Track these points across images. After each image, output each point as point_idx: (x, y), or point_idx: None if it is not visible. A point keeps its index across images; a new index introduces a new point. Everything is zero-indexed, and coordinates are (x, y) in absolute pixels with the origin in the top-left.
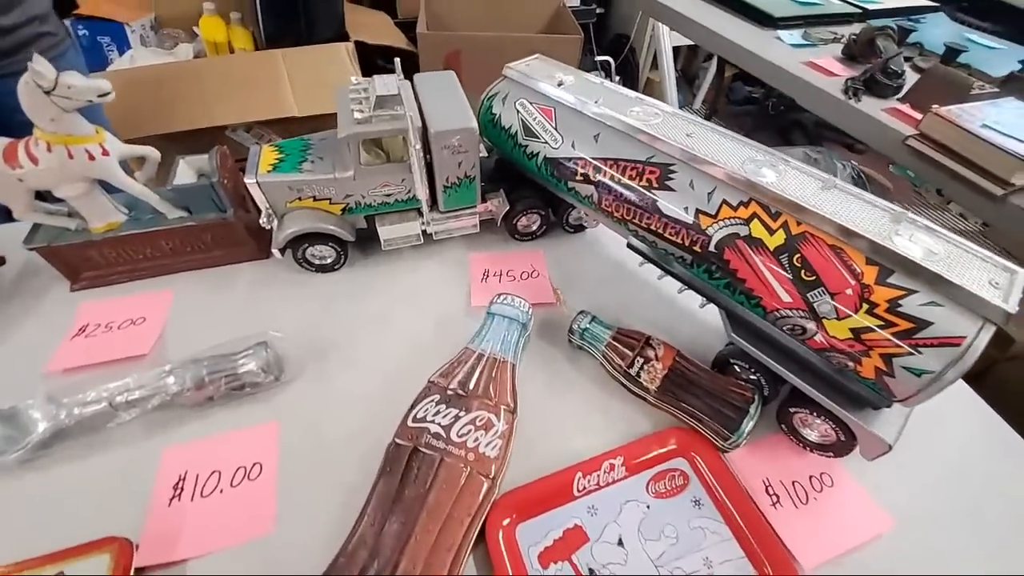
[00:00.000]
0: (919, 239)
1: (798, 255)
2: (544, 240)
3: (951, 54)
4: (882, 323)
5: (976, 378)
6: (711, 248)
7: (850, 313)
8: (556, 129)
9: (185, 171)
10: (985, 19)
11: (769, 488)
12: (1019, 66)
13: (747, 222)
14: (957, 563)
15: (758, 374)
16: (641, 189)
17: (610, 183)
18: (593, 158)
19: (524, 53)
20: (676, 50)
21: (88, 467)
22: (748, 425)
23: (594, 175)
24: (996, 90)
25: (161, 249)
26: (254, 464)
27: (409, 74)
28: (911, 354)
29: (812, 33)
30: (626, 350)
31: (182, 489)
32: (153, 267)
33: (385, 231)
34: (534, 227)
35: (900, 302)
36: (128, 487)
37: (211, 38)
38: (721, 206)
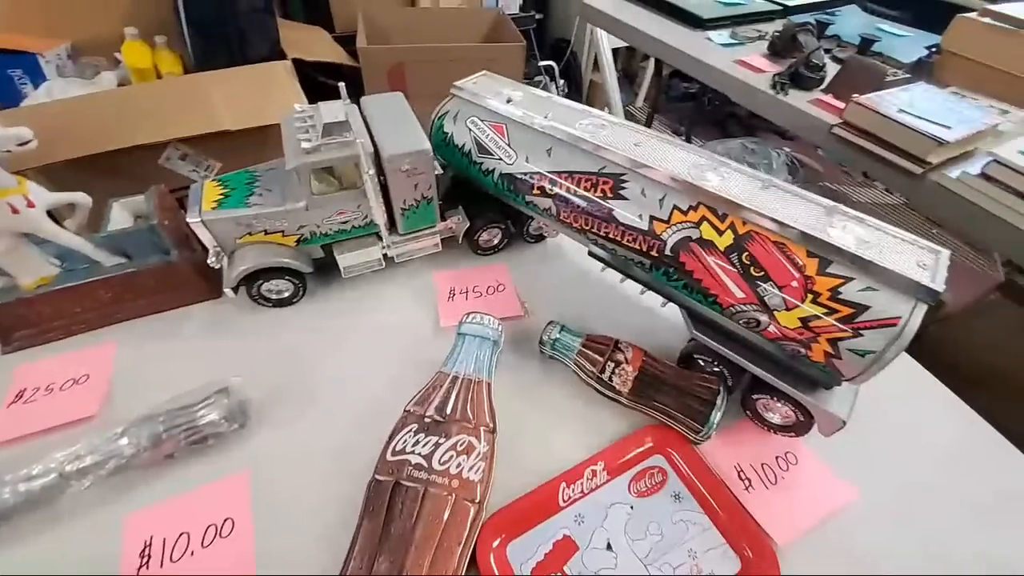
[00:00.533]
0: (852, 229)
1: (746, 253)
2: (507, 252)
3: (866, 44)
4: (826, 310)
5: (912, 343)
6: (667, 252)
7: (797, 303)
8: (509, 145)
9: (120, 214)
10: (894, 8)
11: (741, 473)
12: (926, 52)
13: (697, 225)
14: (919, 521)
15: (721, 366)
16: (596, 200)
17: (566, 195)
18: (547, 172)
19: (469, 63)
20: (615, 51)
21: (43, 546)
22: (716, 416)
23: (550, 188)
24: (908, 75)
25: (100, 300)
26: (225, 520)
27: (351, 90)
28: (854, 337)
29: (739, 32)
30: (597, 356)
31: (149, 556)
32: (93, 319)
33: (344, 259)
34: (496, 241)
35: (840, 290)
36: (90, 562)
37: (135, 65)
38: (672, 211)
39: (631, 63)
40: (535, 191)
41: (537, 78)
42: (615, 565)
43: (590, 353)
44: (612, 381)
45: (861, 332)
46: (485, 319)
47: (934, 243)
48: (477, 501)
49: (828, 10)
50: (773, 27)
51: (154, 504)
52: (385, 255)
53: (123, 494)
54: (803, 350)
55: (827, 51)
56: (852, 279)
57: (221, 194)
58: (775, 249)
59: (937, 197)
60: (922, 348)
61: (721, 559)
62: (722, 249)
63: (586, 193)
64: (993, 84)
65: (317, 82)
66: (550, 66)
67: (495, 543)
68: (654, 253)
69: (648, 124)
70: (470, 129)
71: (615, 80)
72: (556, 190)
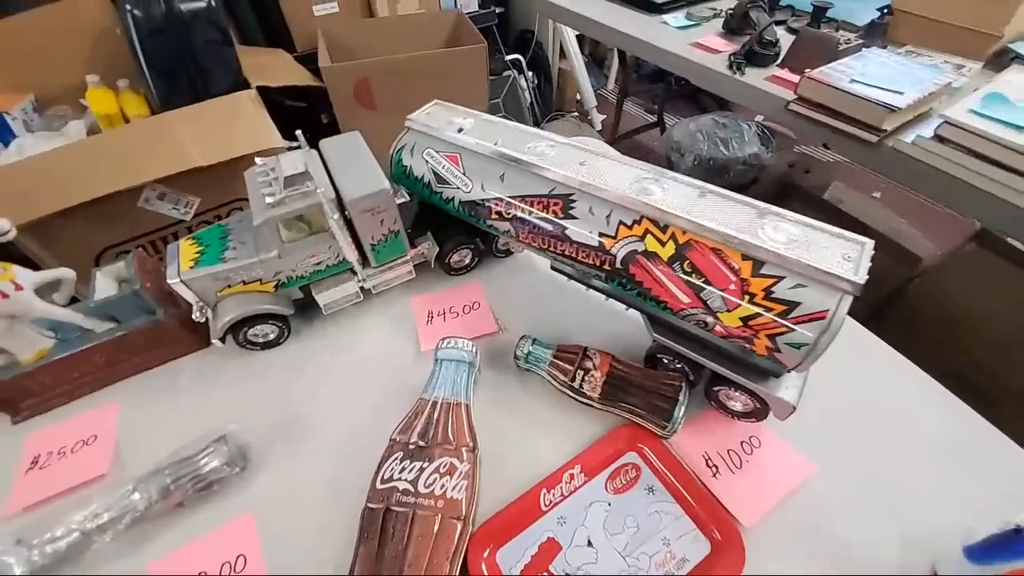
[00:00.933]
0: (782, 229)
1: (688, 261)
2: (480, 270)
3: (819, 12)
4: (762, 309)
5: (893, 300)
6: (618, 265)
7: (737, 304)
8: (464, 174)
9: (104, 282)
10: None
11: (709, 461)
12: (878, 13)
13: (642, 238)
14: (875, 488)
15: (682, 363)
16: (549, 220)
17: (522, 218)
18: (503, 197)
19: (432, 70)
20: (581, 37)
21: None
22: (679, 411)
23: (507, 212)
24: (860, 42)
25: (96, 364)
26: (238, 556)
27: (320, 107)
28: (789, 331)
29: (694, 13)
30: (567, 365)
31: None
32: (92, 382)
33: (323, 297)
34: (467, 260)
35: (772, 289)
36: None
37: (102, 111)
38: (619, 227)
39: (598, 47)
40: (494, 215)
41: (505, 73)
42: (596, 559)
43: (560, 363)
44: (583, 388)
45: (794, 327)
46: (460, 343)
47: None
48: (462, 517)
49: None
50: (728, 4)
51: (173, 551)
52: (362, 288)
53: (142, 544)
54: (748, 345)
55: (781, 23)
56: (783, 278)
57: (197, 252)
58: (713, 255)
59: (895, 163)
60: (903, 304)
61: (692, 544)
62: (666, 259)
63: (540, 214)
64: (946, 40)
65: (284, 106)
66: (517, 59)
67: (485, 552)
68: (607, 267)
69: (619, 107)
70: (427, 161)
71: (583, 66)
72: (513, 213)
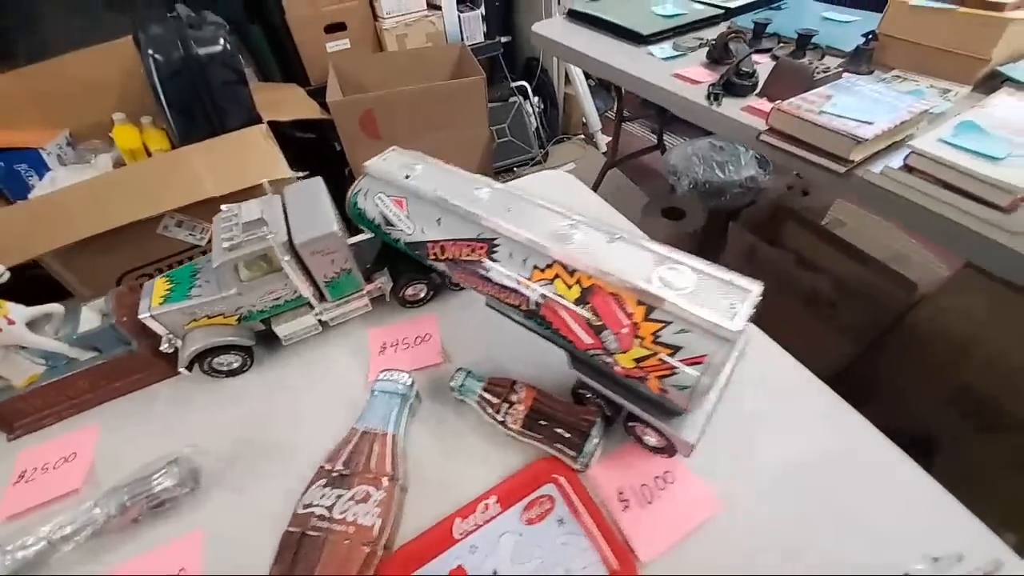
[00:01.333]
0: (676, 276)
1: (589, 305)
2: (435, 303)
3: (803, 40)
4: (650, 352)
5: (893, 327)
6: (531, 306)
7: (630, 345)
8: (408, 217)
9: (89, 316)
10: None
11: (622, 494)
12: (863, 40)
13: (552, 282)
14: (782, 528)
15: (600, 399)
16: (474, 263)
17: (454, 259)
18: (439, 240)
19: (434, 102)
20: None
21: None
22: (590, 445)
23: (441, 254)
24: (839, 70)
25: (80, 389)
26: (180, 570)
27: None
28: (674, 374)
29: (680, 43)
30: (495, 398)
31: None
32: (78, 404)
33: (281, 329)
34: (422, 294)
35: (660, 333)
36: None
37: (125, 147)
38: (533, 271)
39: None
40: (431, 256)
41: (512, 99)
42: None
43: (489, 396)
44: (506, 419)
45: (678, 369)
46: (396, 375)
47: None
48: (372, 543)
49: (774, 4)
50: (717, 31)
51: (126, 561)
52: (320, 320)
53: (100, 555)
54: (643, 384)
55: (767, 51)
56: (670, 323)
57: (167, 289)
58: (611, 299)
59: (866, 192)
60: (904, 330)
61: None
62: (572, 301)
63: (468, 257)
64: (933, 64)
65: (295, 138)
66: (523, 86)
67: None
68: (523, 307)
69: (616, 132)
70: (377, 204)
71: (587, 91)
72: (447, 255)
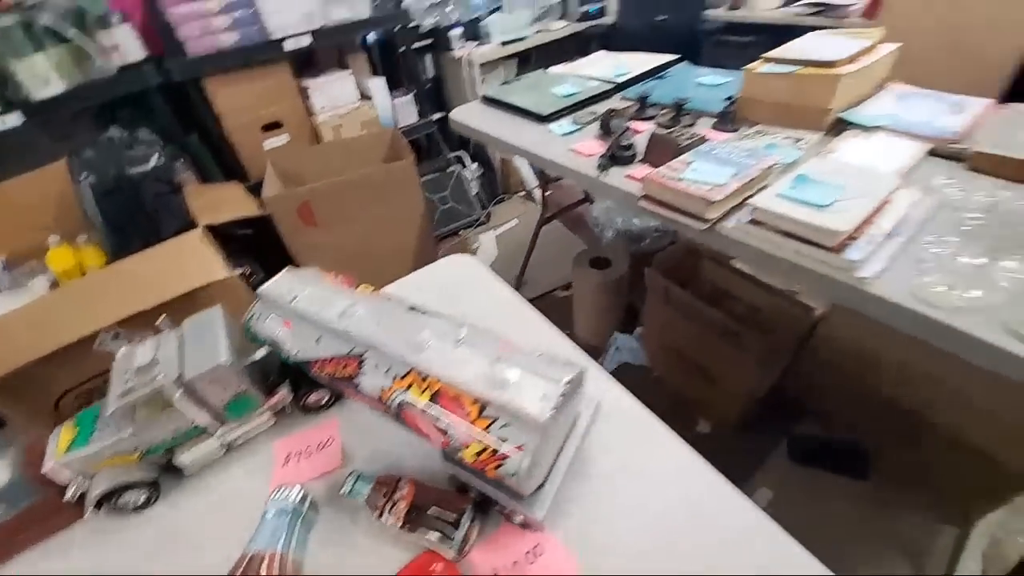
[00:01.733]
0: (506, 373)
1: (438, 406)
2: (338, 407)
3: (678, 107)
4: (483, 446)
5: (806, 343)
6: (394, 412)
7: (470, 441)
8: (292, 338)
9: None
10: (747, 34)
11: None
12: (727, 103)
13: (407, 389)
14: None
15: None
16: (348, 376)
17: (331, 374)
18: (318, 358)
19: (367, 187)
20: None
21: None
22: (459, 534)
23: (320, 370)
24: (702, 136)
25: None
26: None
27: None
28: (502, 464)
29: (579, 118)
30: (381, 497)
31: None
32: None
33: (184, 459)
34: (324, 400)
35: (489, 428)
36: None
37: (60, 268)
38: (394, 380)
39: None
40: (314, 371)
41: (450, 169)
42: None
43: (376, 495)
44: (388, 519)
45: (505, 460)
46: (285, 491)
47: None
48: None
49: (660, 74)
50: (609, 104)
51: None
52: (223, 443)
53: None
54: (486, 473)
55: (651, 118)
56: (497, 418)
57: (71, 436)
58: (453, 400)
59: (725, 244)
60: (819, 346)
61: None
62: (423, 405)
63: (342, 373)
64: (786, 117)
65: (236, 235)
66: (459, 156)
67: None
68: (389, 414)
69: (543, 193)
70: (267, 326)
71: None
72: (325, 370)
